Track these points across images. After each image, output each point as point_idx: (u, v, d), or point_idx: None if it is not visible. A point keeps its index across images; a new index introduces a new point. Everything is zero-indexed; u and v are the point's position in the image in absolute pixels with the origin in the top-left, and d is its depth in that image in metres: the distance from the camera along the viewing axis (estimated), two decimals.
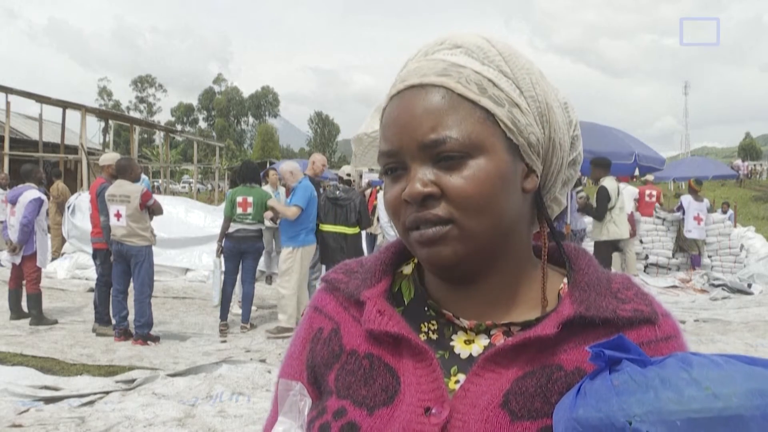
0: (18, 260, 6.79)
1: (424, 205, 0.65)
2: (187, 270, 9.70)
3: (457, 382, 0.68)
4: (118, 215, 5.94)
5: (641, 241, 10.65)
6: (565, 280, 0.73)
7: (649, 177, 11.24)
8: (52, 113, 23.12)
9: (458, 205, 0.64)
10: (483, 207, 0.64)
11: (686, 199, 10.39)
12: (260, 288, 8.78)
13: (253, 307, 7.08)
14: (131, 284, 6.14)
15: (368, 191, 10.42)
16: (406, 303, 0.75)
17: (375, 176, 12.35)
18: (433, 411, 0.65)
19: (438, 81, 0.66)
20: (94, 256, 6.65)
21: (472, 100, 0.65)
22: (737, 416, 0.50)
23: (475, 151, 0.64)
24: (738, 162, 35.98)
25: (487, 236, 0.66)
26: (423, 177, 0.65)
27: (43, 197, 6.94)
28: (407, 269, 0.79)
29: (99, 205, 6.23)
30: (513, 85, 0.67)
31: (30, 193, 6.77)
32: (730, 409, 0.50)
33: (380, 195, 7.03)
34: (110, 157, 6.79)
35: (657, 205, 11.19)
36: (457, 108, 0.65)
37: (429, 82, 0.66)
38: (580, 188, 8.85)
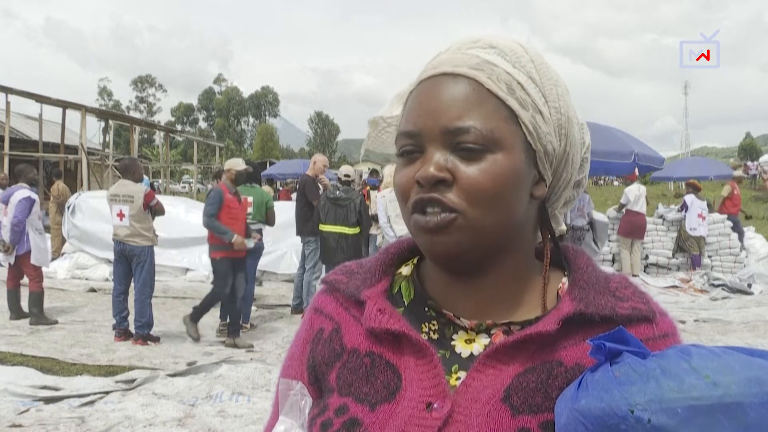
0: (12, 260, 6.78)
1: (435, 189, 0.65)
2: (187, 270, 9.69)
3: (458, 379, 0.69)
4: (120, 215, 5.95)
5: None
6: (564, 279, 0.74)
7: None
8: (52, 113, 23.17)
9: (469, 195, 0.65)
10: (492, 202, 0.65)
11: (689, 197, 10.40)
12: (260, 288, 8.78)
13: (253, 307, 7.09)
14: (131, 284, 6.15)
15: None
16: (406, 304, 0.76)
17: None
18: (435, 406, 0.66)
19: (470, 73, 0.67)
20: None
21: (500, 98, 0.66)
22: (736, 403, 0.52)
23: (494, 146, 0.65)
24: (748, 163, 34.85)
25: (492, 231, 0.67)
26: (439, 161, 0.66)
27: (34, 197, 6.91)
28: (406, 270, 0.80)
29: (203, 209, 6.00)
30: (539, 92, 0.69)
31: (20, 192, 6.76)
32: (730, 396, 0.52)
33: (379, 195, 7.02)
34: (232, 163, 6.38)
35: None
36: (484, 102, 0.66)
37: (461, 72, 0.67)
38: None
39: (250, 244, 6.13)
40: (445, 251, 0.67)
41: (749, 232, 11.95)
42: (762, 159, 27.48)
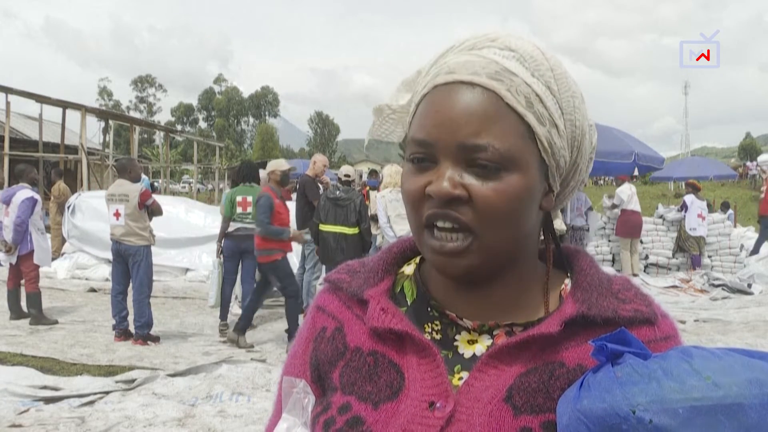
0: (14, 260, 6.79)
1: (448, 206, 0.64)
2: (187, 270, 9.69)
3: (460, 379, 0.69)
4: (117, 214, 5.96)
5: (641, 242, 10.66)
6: (567, 281, 0.75)
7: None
8: (52, 113, 23.14)
9: (483, 215, 0.64)
10: (507, 222, 0.65)
11: (689, 197, 10.42)
12: None
13: None
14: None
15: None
16: (409, 303, 0.76)
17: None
18: (438, 405, 0.66)
19: (489, 84, 0.64)
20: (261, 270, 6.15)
21: (518, 113, 0.64)
22: (737, 404, 0.52)
23: (511, 165, 0.64)
24: (748, 163, 34.17)
25: (503, 249, 0.67)
26: (453, 177, 0.64)
27: (36, 197, 6.93)
28: (409, 269, 0.80)
29: (256, 219, 5.89)
30: (556, 105, 0.67)
31: (22, 192, 6.77)
32: (730, 397, 0.52)
33: (379, 195, 7.01)
34: (276, 164, 6.37)
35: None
36: (503, 118, 0.64)
37: (480, 83, 0.64)
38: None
39: (308, 236, 6.11)
40: (458, 273, 0.67)
41: (749, 231, 11.95)
42: (760, 158, 27.39)
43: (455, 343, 0.71)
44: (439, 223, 0.65)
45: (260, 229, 5.84)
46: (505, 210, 0.64)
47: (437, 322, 0.73)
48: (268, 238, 5.86)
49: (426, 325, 0.73)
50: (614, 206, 10.35)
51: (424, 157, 0.66)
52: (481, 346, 0.70)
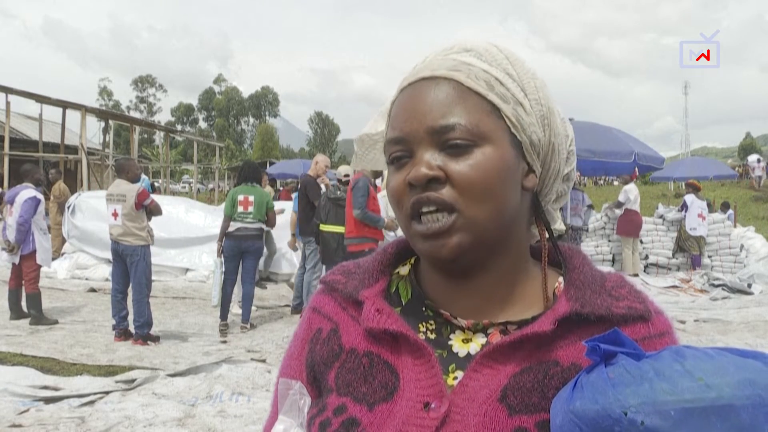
0: (16, 260, 6.79)
1: (428, 188, 0.66)
2: (187, 270, 9.69)
3: (455, 378, 0.69)
4: (114, 214, 5.97)
5: (641, 241, 10.66)
6: (561, 278, 0.75)
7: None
8: (52, 113, 23.16)
9: (463, 191, 0.65)
10: (487, 195, 0.66)
11: (689, 197, 10.43)
12: (260, 288, 8.78)
13: (253, 307, 7.09)
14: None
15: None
16: (403, 303, 0.77)
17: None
18: (432, 406, 0.66)
19: (448, 74, 0.69)
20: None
21: (481, 94, 0.68)
22: (729, 405, 0.52)
23: (481, 140, 0.66)
24: (753, 164, 33.29)
25: (490, 226, 0.67)
26: (429, 161, 0.66)
27: (40, 196, 6.93)
28: (404, 270, 0.80)
29: (353, 200, 5.69)
30: (518, 86, 0.70)
31: (26, 192, 6.78)
32: (723, 398, 0.52)
33: (380, 195, 7.02)
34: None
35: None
36: (466, 99, 0.68)
37: (440, 75, 0.69)
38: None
39: (395, 230, 6.07)
40: (448, 254, 0.67)
41: (749, 231, 11.93)
42: (750, 158, 27.29)
43: (450, 342, 0.72)
44: (424, 209, 0.66)
45: (358, 211, 5.56)
46: (482, 183, 0.65)
47: (432, 322, 0.74)
48: (363, 222, 5.61)
49: (420, 325, 0.74)
50: (619, 204, 10.31)
51: (401, 154, 0.69)
52: (476, 345, 0.70)
